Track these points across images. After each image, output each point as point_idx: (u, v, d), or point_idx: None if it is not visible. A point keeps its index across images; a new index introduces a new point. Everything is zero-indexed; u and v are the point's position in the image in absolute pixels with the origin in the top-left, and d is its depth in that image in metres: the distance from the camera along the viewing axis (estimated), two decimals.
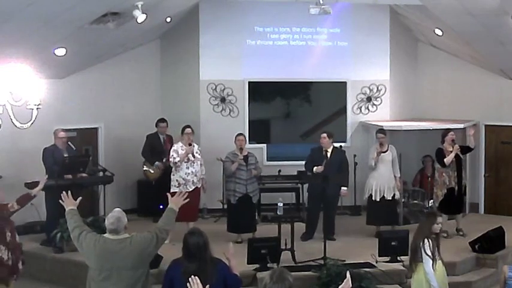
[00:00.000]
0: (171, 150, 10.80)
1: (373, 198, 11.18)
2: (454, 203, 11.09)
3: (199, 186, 10.67)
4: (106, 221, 5.77)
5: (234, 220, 10.90)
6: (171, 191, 10.22)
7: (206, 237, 5.66)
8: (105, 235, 5.74)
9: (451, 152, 11.02)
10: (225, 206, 12.55)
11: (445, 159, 10.99)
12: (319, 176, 10.72)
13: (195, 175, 10.67)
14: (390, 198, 11.17)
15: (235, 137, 11.02)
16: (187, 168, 10.65)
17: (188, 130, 10.83)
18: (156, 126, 12.31)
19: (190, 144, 10.73)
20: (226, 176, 11.02)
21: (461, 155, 11.22)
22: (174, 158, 10.65)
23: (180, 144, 10.79)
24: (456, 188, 11.12)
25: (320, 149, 11.06)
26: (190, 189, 10.32)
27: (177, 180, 10.64)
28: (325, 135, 11.07)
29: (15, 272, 8.21)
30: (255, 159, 11.07)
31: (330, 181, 10.57)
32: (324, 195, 10.54)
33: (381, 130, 11.55)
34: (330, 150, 11.01)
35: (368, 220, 11.40)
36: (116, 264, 5.60)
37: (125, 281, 5.61)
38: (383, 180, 11.15)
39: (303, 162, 11.27)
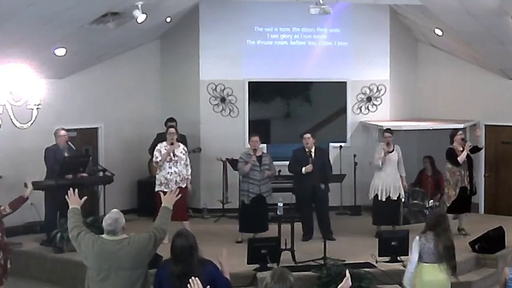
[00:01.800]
0: (155, 149, 10.83)
1: (379, 198, 11.15)
2: (465, 202, 11.10)
3: (183, 186, 10.47)
4: (104, 222, 5.72)
5: (247, 220, 10.91)
6: (156, 189, 10.38)
7: (193, 239, 5.59)
8: (103, 236, 5.72)
9: (462, 151, 11.02)
10: (225, 206, 12.62)
11: (458, 158, 10.96)
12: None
13: (178, 175, 10.64)
14: (396, 198, 11.15)
15: (249, 138, 11.13)
16: (170, 168, 10.63)
17: (171, 130, 10.85)
18: (165, 125, 12.24)
19: (172, 144, 10.72)
20: (242, 177, 11.04)
21: (470, 154, 11.23)
22: (156, 157, 10.68)
23: (164, 143, 10.79)
24: (468, 186, 11.12)
25: (302, 149, 11.07)
26: (172, 189, 10.12)
27: (160, 179, 10.67)
28: (309, 135, 11.05)
29: (6, 271, 8.35)
30: (269, 160, 11.04)
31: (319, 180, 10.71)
32: (315, 195, 10.67)
33: (388, 130, 11.43)
34: (313, 150, 11.03)
35: (374, 220, 11.34)
36: (114, 265, 5.58)
37: (123, 281, 5.59)
38: (389, 180, 11.12)
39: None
